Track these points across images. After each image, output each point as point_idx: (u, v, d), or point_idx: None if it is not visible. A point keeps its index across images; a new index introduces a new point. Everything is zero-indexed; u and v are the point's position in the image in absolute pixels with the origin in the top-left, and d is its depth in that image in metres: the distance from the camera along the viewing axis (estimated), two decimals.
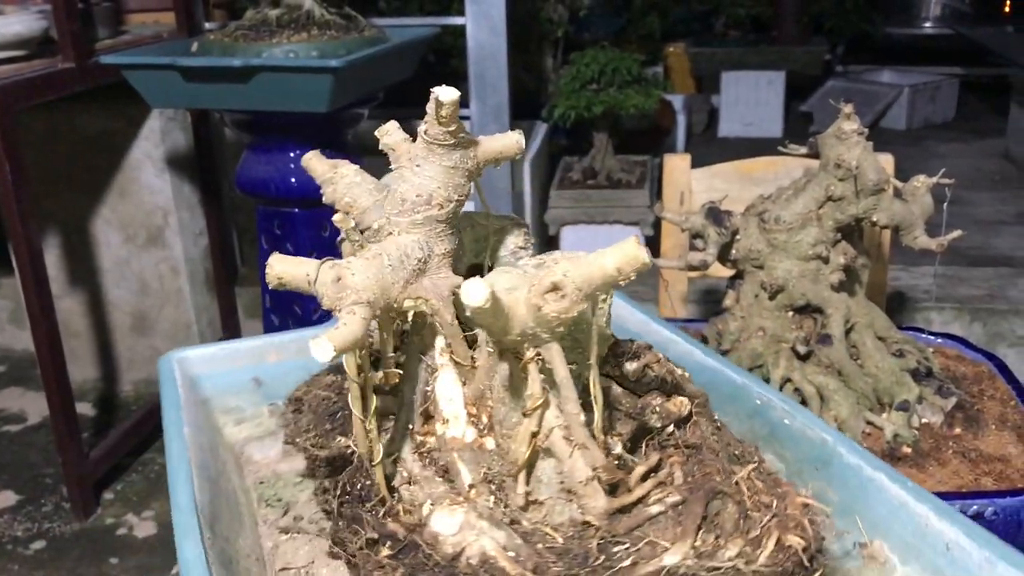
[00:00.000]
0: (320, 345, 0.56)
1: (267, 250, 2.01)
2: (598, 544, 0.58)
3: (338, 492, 0.68)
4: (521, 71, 3.51)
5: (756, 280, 1.30)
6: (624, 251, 0.55)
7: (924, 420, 1.26)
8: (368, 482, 0.68)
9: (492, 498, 0.64)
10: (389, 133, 0.72)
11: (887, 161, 1.50)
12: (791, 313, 1.29)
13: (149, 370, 2.61)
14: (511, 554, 0.58)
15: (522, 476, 0.63)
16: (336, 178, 0.74)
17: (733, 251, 1.31)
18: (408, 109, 3.16)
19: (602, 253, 0.56)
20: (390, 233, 0.69)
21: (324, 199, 0.75)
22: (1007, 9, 5.26)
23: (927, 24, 5.36)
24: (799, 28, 4.55)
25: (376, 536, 0.62)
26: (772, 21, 4.65)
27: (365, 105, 1.98)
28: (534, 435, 0.62)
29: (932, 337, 1.50)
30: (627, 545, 0.58)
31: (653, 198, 2.99)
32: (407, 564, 0.59)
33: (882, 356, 1.28)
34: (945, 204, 1.38)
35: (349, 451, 0.75)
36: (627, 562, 0.57)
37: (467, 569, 0.58)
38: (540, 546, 0.59)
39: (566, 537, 0.60)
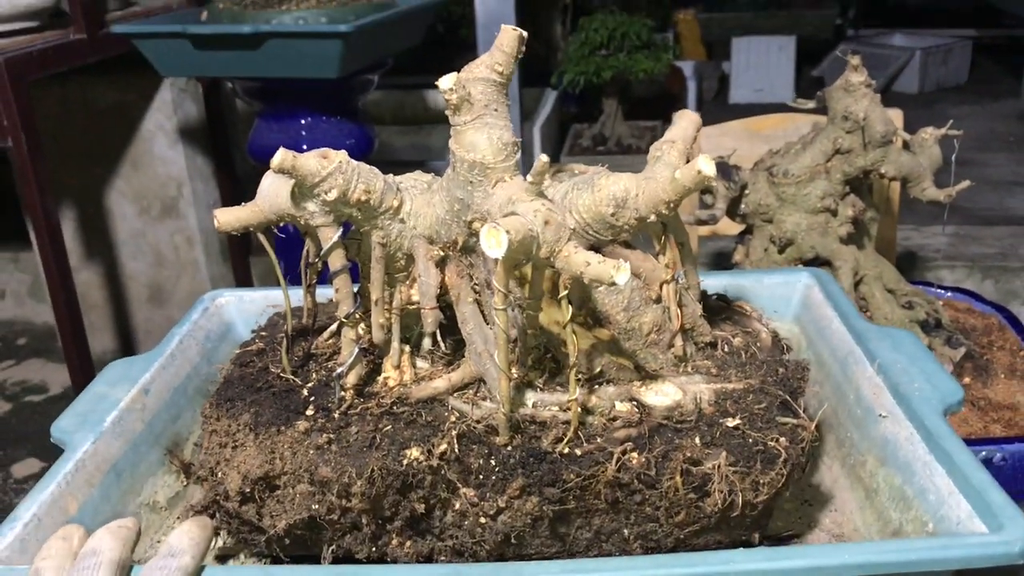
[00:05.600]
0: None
1: None
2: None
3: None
4: (530, 37, 3.50)
5: (765, 234, 1.32)
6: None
7: None
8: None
9: None
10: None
11: (896, 115, 1.50)
12: (800, 266, 1.30)
13: None
14: None
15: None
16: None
17: (742, 206, 1.32)
18: (418, 76, 3.17)
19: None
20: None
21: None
22: None
23: None
24: None
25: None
26: None
27: (375, 71, 1.98)
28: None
29: (942, 291, 1.51)
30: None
31: None
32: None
33: (891, 308, 1.29)
34: (953, 157, 1.38)
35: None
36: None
37: None
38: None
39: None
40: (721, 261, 2.17)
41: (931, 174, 1.28)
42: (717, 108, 4.41)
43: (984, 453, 1.15)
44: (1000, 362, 1.30)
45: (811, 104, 1.34)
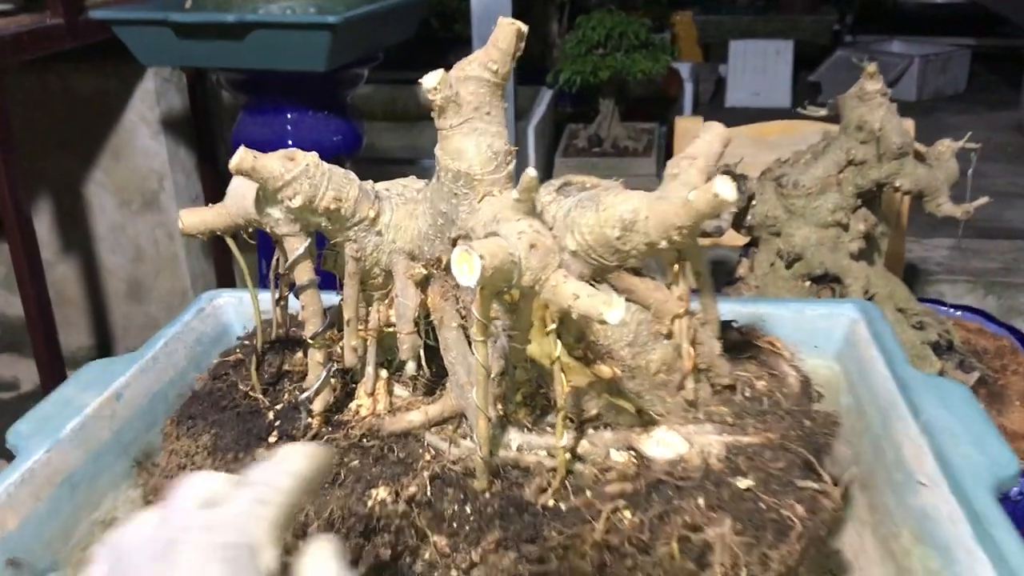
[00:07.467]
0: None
1: None
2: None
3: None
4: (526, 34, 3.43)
5: (772, 248, 1.25)
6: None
7: None
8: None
9: None
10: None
11: (908, 125, 1.44)
12: (808, 283, 1.24)
13: (144, 337, 2.56)
14: None
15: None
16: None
17: (748, 217, 1.26)
18: (410, 71, 3.10)
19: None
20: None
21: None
22: None
23: None
24: None
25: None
26: None
27: (364, 65, 1.91)
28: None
29: (952, 310, 1.45)
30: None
31: (660, 166, 2.93)
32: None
33: (902, 329, 1.22)
34: (969, 172, 1.32)
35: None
36: None
37: None
38: None
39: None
40: (719, 271, 2.11)
41: (947, 188, 1.22)
42: (713, 111, 4.36)
43: None
44: (1015, 388, 1.24)
45: (823, 112, 1.27)
